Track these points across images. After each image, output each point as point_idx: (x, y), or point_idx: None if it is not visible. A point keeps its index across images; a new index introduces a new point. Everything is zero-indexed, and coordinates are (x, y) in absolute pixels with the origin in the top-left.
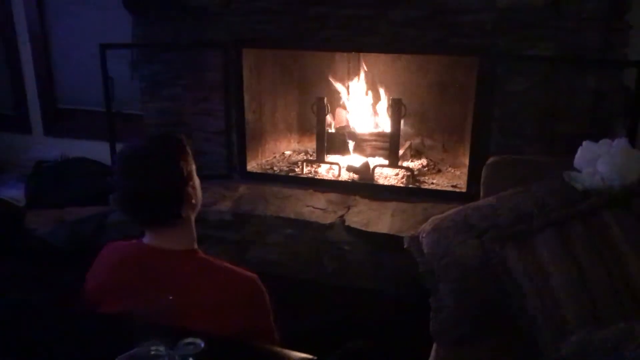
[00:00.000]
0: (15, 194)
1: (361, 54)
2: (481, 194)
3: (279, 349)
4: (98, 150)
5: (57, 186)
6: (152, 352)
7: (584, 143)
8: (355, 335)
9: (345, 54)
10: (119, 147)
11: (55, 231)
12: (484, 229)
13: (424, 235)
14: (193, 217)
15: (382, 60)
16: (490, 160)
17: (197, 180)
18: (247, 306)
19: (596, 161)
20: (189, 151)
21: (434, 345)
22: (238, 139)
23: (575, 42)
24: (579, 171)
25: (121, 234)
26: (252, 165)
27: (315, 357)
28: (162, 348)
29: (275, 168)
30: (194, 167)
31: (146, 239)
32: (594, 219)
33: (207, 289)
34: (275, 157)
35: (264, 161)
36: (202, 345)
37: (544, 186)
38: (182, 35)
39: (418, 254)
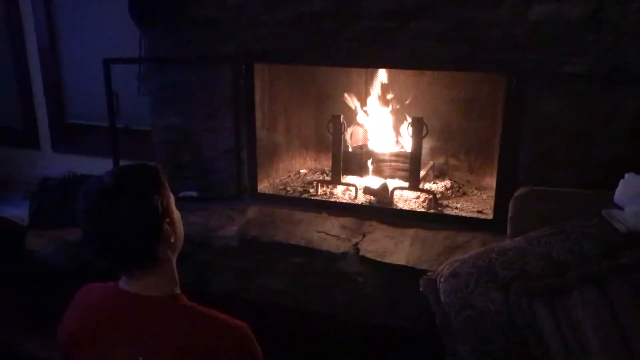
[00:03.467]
0: (19, 212)
1: (380, 69)
2: (508, 231)
3: None
4: (106, 167)
5: (61, 205)
6: None
7: (626, 176)
8: None
9: (362, 69)
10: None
11: (55, 253)
12: (510, 278)
13: (442, 279)
14: (174, 258)
15: (402, 76)
16: (519, 191)
17: (176, 215)
18: (234, 359)
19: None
20: (165, 183)
21: None
22: (249, 157)
23: (615, 58)
24: (620, 208)
25: None
26: (264, 185)
27: None
28: None
29: (289, 188)
30: (172, 200)
31: (121, 283)
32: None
33: (188, 340)
34: (289, 176)
35: (277, 180)
36: None
37: (581, 227)
38: (191, 49)
39: (435, 300)
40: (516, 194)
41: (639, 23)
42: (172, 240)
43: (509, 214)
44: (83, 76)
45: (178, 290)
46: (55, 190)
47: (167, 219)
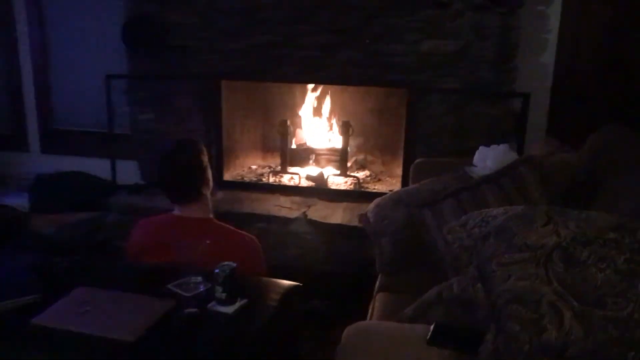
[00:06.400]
0: (19, 201)
1: (316, 85)
2: (409, 182)
3: (272, 279)
4: (88, 165)
5: (56, 195)
6: (193, 280)
7: (480, 148)
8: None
9: (301, 85)
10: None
11: (58, 231)
12: (410, 201)
13: (370, 211)
14: (209, 194)
15: (333, 91)
16: (417, 161)
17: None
18: (247, 255)
19: (486, 159)
20: (204, 148)
21: (379, 276)
22: (217, 153)
23: (476, 79)
24: (475, 166)
25: (115, 233)
26: (225, 177)
27: (301, 284)
28: (199, 278)
29: (245, 178)
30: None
31: (176, 212)
32: (477, 190)
33: (220, 244)
34: (243, 170)
35: (235, 173)
36: (234, 265)
37: (451, 176)
38: (168, 67)
39: (366, 224)
40: (415, 162)
41: (492, 56)
42: (210, 183)
43: (410, 174)
44: (70, 87)
45: (211, 215)
46: (49, 183)
47: (208, 169)
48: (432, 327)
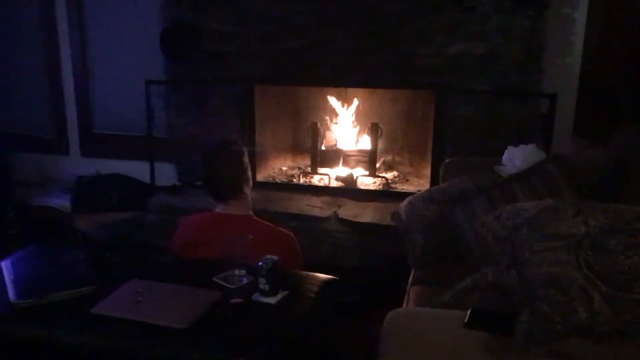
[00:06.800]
0: (61, 202)
1: (346, 88)
2: (440, 182)
3: (310, 273)
4: (127, 168)
5: (97, 196)
6: (237, 273)
7: (508, 147)
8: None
9: (331, 89)
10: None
11: (99, 231)
12: (441, 199)
13: (402, 209)
14: (249, 193)
15: (362, 93)
16: (447, 160)
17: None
18: (286, 250)
19: (515, 158)
20: (245, 149)
21: (412, 271)
22: (249, 155)
23: (504, 80)
24: (504, 165)
25: (154, 232)
26: (257, 178)
27: (337, 278)
28: (243, 271)
29: (277, 179)
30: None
31: (218, 209)
32: (507, 188)
33: (261, 239)
34: (274, 171)
35: (266, 174)
36: (277, 258)
37: (481, 175)
38: (205, 73)
39: (398, 221)
40: (445, 161)
41: (519, 58)
42: (251, 183)
43: (440, 173)
44: (110, 92)
45: (251, 212)
46: (89, 185)
47: (249, 169)
48: (468, 311)
